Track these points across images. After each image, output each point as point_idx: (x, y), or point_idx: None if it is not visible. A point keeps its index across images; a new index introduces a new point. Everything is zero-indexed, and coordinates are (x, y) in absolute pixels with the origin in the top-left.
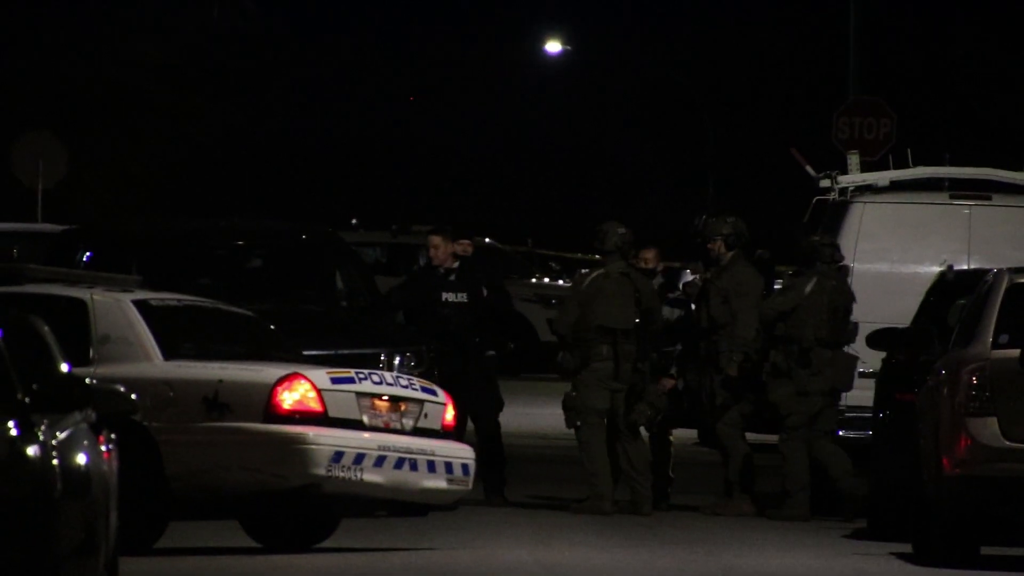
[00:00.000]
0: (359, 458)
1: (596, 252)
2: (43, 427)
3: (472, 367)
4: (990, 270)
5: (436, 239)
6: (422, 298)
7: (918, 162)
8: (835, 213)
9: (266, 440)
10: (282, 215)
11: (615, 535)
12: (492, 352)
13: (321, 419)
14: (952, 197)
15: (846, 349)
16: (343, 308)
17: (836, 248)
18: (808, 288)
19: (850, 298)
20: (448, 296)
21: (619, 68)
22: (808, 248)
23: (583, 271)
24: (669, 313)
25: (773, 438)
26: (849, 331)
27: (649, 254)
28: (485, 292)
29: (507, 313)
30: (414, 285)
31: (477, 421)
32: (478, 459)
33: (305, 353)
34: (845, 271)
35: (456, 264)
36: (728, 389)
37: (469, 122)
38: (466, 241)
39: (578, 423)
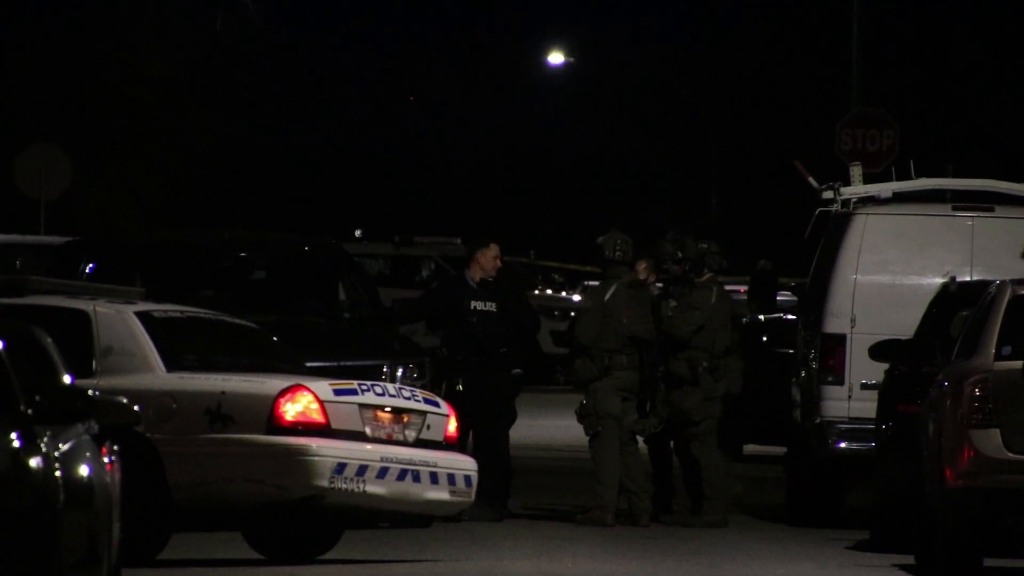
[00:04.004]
0: (362, 470)
1: (608, 263)
2: (46, 439)
3: (497, 378)
4: (993, 282)
5: (496, 248)
6: (450, 305)
7: (921, 174)
8: (838, 225)
9: (269, 452)
10: (285, 227)
11: (618, 546)
12: (519, 371)
13: (324, 431)
14: (955, 209)
15: None
16: (346, 320)
17: (723, 256)
18: (713, 298)
19: (734, 305)
20: (477, 304)
21: (622, 80)
22: (696, 256)
23: (595, 283)
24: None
25: (775, 449)
26: (737, 338)
27: (640, 266)
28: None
29: (532, 331)
30: (442, 293)
31: (486, 430)
32: (480, 469)
33: (308, 365)
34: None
35: (492, 277)
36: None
37: (472, 134)
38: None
39: (599, 429)
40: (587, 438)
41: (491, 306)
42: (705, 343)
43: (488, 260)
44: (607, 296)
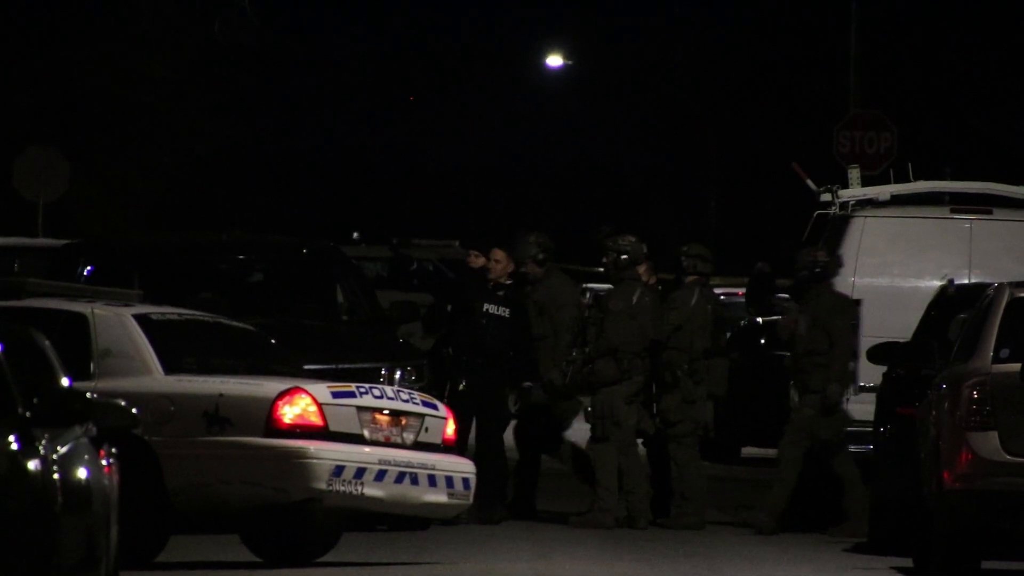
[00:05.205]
0: (360, 472)
1: (627, 265)
2: (44, 441)
3: (500, 382)
4: (991, 284)
5: (501, 254)
6: (463, 305)
7: (919, 176)
8: (836, 227)
9: (267, 454)
10: (284, 229)
11: (616, 548)
12: (529, 384)
13: (322, 433)
14: (953, 211)
15: None
16: (344, 322)
17: (701, 259)
18: (693, 300)
19: (722, 307)
20: (490, 308)
21: (621, 82)
22: (675, 258)
23: (597, 286)
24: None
25: (774, 451)
26: (722, 341)
27: (641, 268)
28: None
29: (524, 339)
30: (454, 292)
31: (486, 433)
32: (478, 471)
33: (306, 367)
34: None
35: (508, 281)
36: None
37: (471, 136)
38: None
39: (605, 434)
40: (586, 439)
41: (504, 311)
42: (683, 344)
43: (496, 265)
44: (635, 299)
